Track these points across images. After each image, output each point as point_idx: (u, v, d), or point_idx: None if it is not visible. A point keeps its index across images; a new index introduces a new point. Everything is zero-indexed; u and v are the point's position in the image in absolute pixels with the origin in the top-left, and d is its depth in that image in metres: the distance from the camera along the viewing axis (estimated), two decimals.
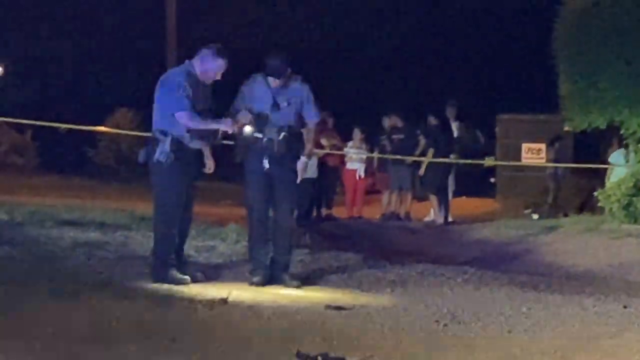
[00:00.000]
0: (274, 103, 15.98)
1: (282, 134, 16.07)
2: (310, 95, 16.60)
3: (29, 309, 13.34)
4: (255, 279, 15.97)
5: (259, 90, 16.30)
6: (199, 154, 16.04)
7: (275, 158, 16.11)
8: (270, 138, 16.03)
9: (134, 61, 42.17)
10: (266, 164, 16.02)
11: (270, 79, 16.13)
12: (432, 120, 31.11)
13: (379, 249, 21.82)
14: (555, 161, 31.02)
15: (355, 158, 31.64)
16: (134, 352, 10.90)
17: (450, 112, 31.40)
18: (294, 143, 16.30)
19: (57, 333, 11.97)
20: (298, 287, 16.00)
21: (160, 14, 41.33)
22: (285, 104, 16.08)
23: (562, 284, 18.31)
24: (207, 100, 16.02)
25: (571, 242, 24.72)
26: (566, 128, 28.96)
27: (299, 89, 16.48)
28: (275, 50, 16.75)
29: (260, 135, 15.94)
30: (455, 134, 31.24)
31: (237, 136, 16.40)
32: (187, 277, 15.73)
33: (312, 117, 16.81)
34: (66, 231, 19.57)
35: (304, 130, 16.52)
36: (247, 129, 15.65)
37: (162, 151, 15.57)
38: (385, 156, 31.39)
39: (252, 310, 14.02)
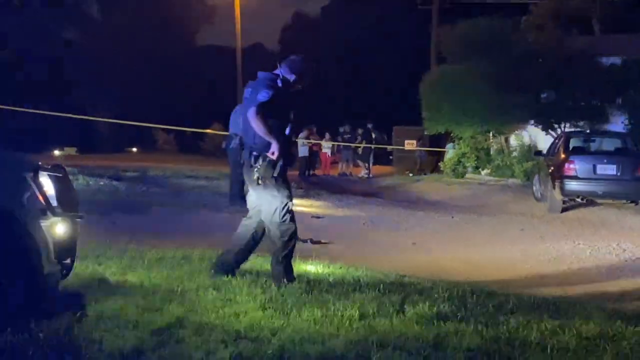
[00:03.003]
0: None
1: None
2: None
3: (173, 218, 13.60)
4: None
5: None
6: None
7: None
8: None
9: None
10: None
11: None
12: (361, 129, 31.32)
13: (337, 190, 21.95)
14: (420, 148, 31.28)
15: (326, 146, 31.63)
16: (221, 237, 11.02)
17: (370, 125, 31.54)
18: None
19: (183, 228, 12.22)
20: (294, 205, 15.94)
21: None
22: None
23: (423, 207, 18.60)
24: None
25: (427, 186, 24.87)
26: (426, 133, 29.06)
27: None
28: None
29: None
30: (374, 136, 31.42)
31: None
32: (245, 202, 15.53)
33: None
34: (189, 180, 19.66)
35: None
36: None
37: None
38: (341, 143, 31.63)
39: None
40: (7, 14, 43.00)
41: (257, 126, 6.77)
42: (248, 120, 6.91)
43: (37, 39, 41.86)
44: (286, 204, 6.95)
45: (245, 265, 7.79)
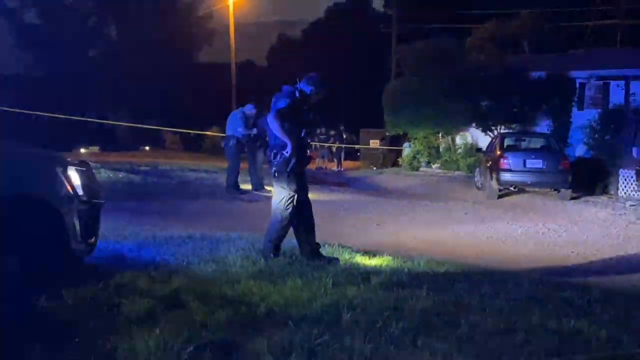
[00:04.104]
0: None
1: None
2: None
3: (179, 205, 13.53)
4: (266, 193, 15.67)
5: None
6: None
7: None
8: None
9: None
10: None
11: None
12: (334, 131, 31.20)
13: (315, 181, 21.81)
14: (383, 146, 31.19)
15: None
16: (219, 220, 11.02)
17: (342, 128, 31.45)
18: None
19: (187, 213, 12.16)
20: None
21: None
22: None
23: (385, 194, 18.61)
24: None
25: (388, 178, 24.84)
26: (387, 133, 28.97)
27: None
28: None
29: None
30: (345, 136, 31.36)
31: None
32: (240, 189, 15.21)
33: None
34: (192, 173, 19.53)
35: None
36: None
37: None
38: (318, 143, 31.53)
39: (266, 204, 14.24)
40: (44, 37, 43.03)
41: (275, 128, 6.83)
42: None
43: (67, 57, 41.70)
44: (292, 196, 6.96)
45: (240, 242, 7.78)
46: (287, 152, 6.83)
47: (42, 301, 4.72)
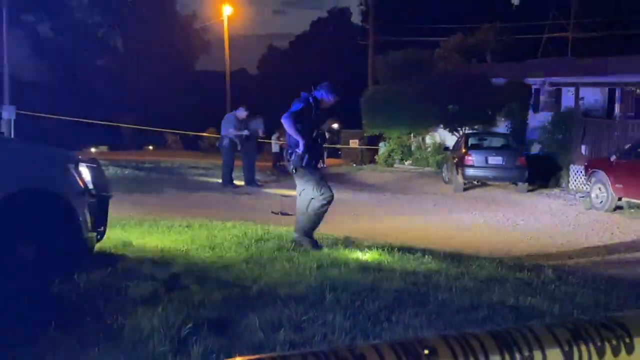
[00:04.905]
0: None
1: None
2: None
3: (179, 197, 13.46)
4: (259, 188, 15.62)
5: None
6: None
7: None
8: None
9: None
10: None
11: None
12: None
13: None
14: (361, 145, 31.07)
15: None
16: (215, 211, 10.95)
17: (327, 127, 31.31)
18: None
19: (186, 205, 12.10)
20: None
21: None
22: None
23: (363, 188, 18.55)
24: None
25: (366, 173, 24.69)
26: (365, 134, 28.86)
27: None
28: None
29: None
30: (327, 137, 31.16)
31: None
32: (234, 184, 15.17)
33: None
34: (191, 170, 19.46)
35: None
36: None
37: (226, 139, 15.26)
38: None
39: (257, 197, 14.21)
40: (56, 47, 42.74)
41: (287, 128, 6.87)
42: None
43: (78, 65, 41.46)
44: (319, 182, 6.94)
45: (234, 231, 7.76)
46: (299, 149, 6.84)
47: (56, 285, 4.69)
